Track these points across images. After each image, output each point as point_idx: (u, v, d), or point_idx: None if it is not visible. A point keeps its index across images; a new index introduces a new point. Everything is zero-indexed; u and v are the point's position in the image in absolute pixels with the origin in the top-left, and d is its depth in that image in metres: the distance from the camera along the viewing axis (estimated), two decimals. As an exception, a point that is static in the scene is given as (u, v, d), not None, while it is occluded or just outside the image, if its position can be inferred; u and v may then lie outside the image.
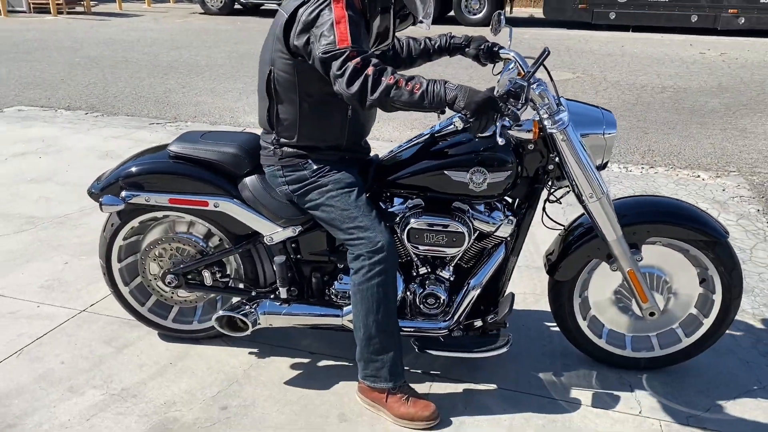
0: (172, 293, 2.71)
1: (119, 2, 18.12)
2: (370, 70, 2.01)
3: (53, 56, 10.17)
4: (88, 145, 5.58)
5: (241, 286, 2.68)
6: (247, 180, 2.46)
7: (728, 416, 2.42)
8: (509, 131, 2.25)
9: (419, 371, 2.64)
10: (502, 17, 2.52)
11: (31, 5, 16.65)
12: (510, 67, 2.24)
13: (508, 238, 2.45)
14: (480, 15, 14.94)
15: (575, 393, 2.54)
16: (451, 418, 2.38)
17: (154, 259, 2.66)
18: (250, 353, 2.74)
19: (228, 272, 2.68)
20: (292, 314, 2.54)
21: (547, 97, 2.23)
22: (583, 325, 2.65)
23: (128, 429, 2.28)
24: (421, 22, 2.30)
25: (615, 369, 2.67)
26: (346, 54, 2.01)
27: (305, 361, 2.69)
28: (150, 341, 2.80)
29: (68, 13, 16.77)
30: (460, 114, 2.07)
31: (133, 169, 2.54)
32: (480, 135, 2.20)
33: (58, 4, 16.37)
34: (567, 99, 2.42)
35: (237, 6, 16.82)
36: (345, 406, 2.42)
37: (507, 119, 2.12)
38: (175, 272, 2.63)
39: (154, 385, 2.52)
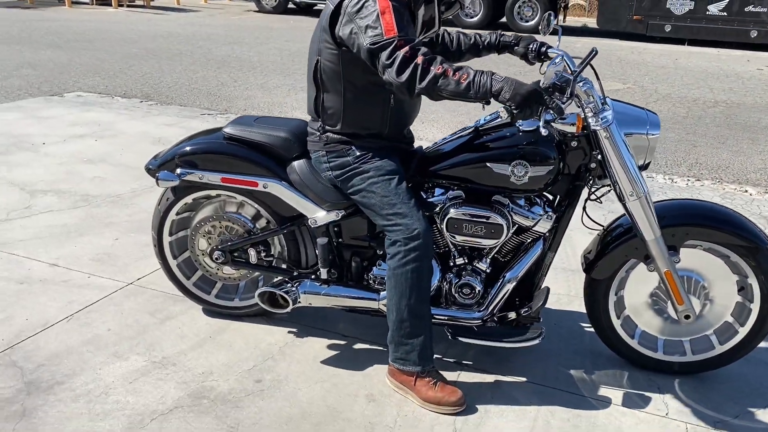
0: (218, 269, 2.82)
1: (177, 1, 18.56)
2: (419, 59, 2.07)
3: (113, 47, 10.52)
4: (142, 131, 5.78)
5: (283, 266, 2.77)
6: (295, 164, 2.56)
7: (758, 424, 2.41)
8: (553, 124, 2.28)
9: (450, 360, 2.70)
10: (552, 19, 2.57)
11: (95, -2, 17.21)
12: (556, 61, 2.27)
13: (547, 234, 2.48)
14: (532, 22, 14.90)
15: (603, 391, 2.56)
16: (477, 406, 2.42)
17: (204, 236, 2.77)
18: (287, 332, 2.83)
19: (272, 252, 2.77)
20: (331, 295, 2.62)
21: (592, 95, 2.25)
22: (617, 324, 2.66)
23: (167, 394, 2.38)
24: (467, 6, 2.37)
25: (645, 371, 2.67)
26: (395, 44, 2.08)
27: (339, 342, 2.77)
28: (192, 315, 2.91)
29: (128, 6, 17.32)
30: (505, 105, 2.11)
31: (189, 148, 2.66)
32: (524, 128, 2.26)
33: (118, -3, 16.86)
34: (613, 99, 2.44)
35: (291, 5, 17.11)
36: (374, 388, 2.49)
37: (551, 112, 2.13)
38: (223, 249, 2.73)
39: (193, 355, 2.63)
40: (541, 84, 2.13)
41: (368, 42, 2.12)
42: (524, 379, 2.61)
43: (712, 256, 2.51)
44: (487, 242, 2.46)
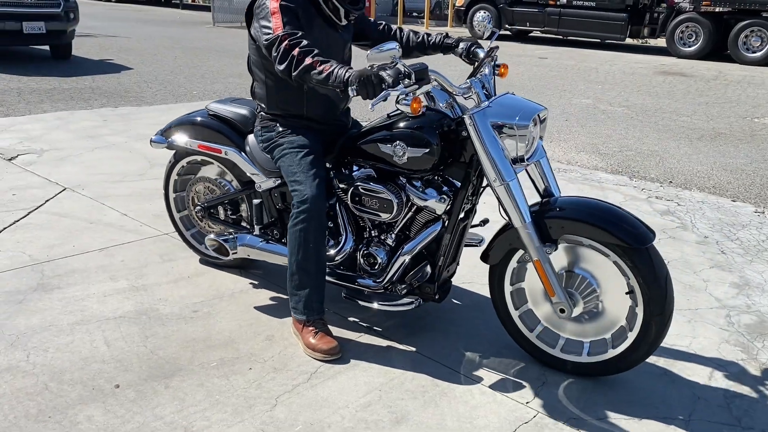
0: (204, 224, 3.42)
1: (399, 22, 19.96)
2: (296, 51, 2.47)
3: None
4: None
5: (244, 224, 3.29)
6: (249, 137, 3.06)
7: (614, 428, 2.37)
8: (398, 105, 2.46)
9: (365, 324, 2.99)
10: (488, 24, 2.89)
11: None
12: (384, 48, 2.36)
13: (443, 216, 2.69)
14: (760, 53, 13.64)
15: (481, 373, 2.68)
16: (352, 360, 2.71)
17: (195, 195, 3.40)
18: (249, 283, 3.33)
19: (239, 211, 3.30)
20: (264, 250, 3.07)
21: (447, 85, 2.47)
22: (515, 315, 2.76)
23: (122, 307, 3.02)
24: None
25: (546, 368, 2.72)
26: (279, 38, 2.50)
27: (283, 297, 3.19)
28: (189, 261, 3.55)
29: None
30: (351, 88, 2.36)
31: (181, 119, 3.31)
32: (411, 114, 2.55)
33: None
34: (512, 94, 2.61)
35: (503, 32, 17.48)
36: (278, 331, 2.90)
37: (384, 94, 2.31)
38: (202, 206, 3.34)
39: (166, 287, 3.26)
40: (368, 66, 2.35)
41: (263, 39, 2.57)
42: (413, 348, 2.82)
43: (605, 258, 2.52)
44: (383, 215, 2.75)
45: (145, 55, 11.94)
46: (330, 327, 2.82)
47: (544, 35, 17.68)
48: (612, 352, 2.58)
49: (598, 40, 17.01)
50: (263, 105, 2.90)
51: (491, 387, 2.59)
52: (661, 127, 7.83)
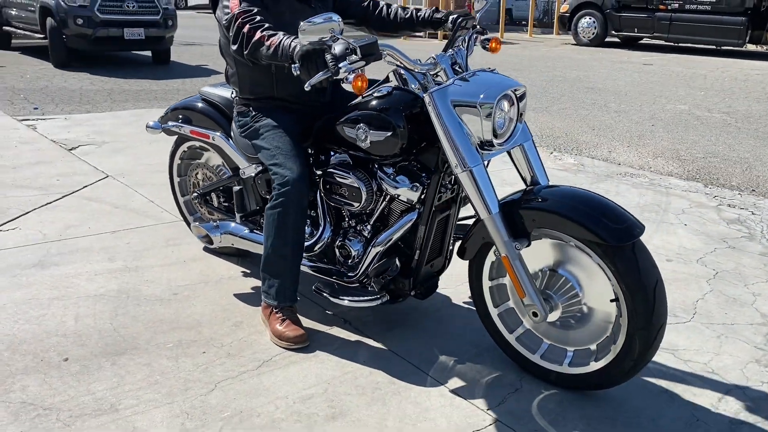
0: (203, 210, 3.37)
1: (501, 32, 19.59)
2: (246, 28, 2.34)
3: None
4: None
5: (238, 216, 3.18)
6: (233, 123, 2.92)
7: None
8: (342, 84, 2.27)
9: (336, 316, 2.83)
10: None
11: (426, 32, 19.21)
12: (320, 20, 2.17)
13: (418, 206, 2.47)
14: None
15: (450, 375, 2.44)
16: (316, 350, 2.55)
17: (194, 181, 3.38)
18: (240, 271, 3.26)
19: (232, 200, 3.21)
20: (246, 239, 2.98)
21: (405, 62, 2.27)
22: (493, 313, 2.50)
23: (106, 285, 3.04)
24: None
25: (526, 376, 2.45)
26: (234, 17, 2.39)
27: (252, 283, 3.09)
28: (190, 247, 3.52)
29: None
30: (294, 66, 2.20)
31: (176, 104, 3.27)
32: (377, 94, 2.39)
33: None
34: (492, 71, 2.38)
35: (609, 39, 16.70)
36: (248, 318, 2.79)
37: (329, 71, 2.14)
38: (198, 193, 3.29)
39: (158, 269, 3.25)
40: (302, 40, 2.16)
41: (224, 20, 2.47)
42: (382, 346, 2.62)
43: (590, 260, 2.20)
44: (353, 204, 2.56)
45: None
46: (304, 317, 2.68)
47: (653, 41, 16.72)
48: (594, 365, 2.27)
49: (713, 47, 15.84)
50: (236, 89, 2.78)
51: (453, 391, 2.35)
52: (762, 135, 7.12)
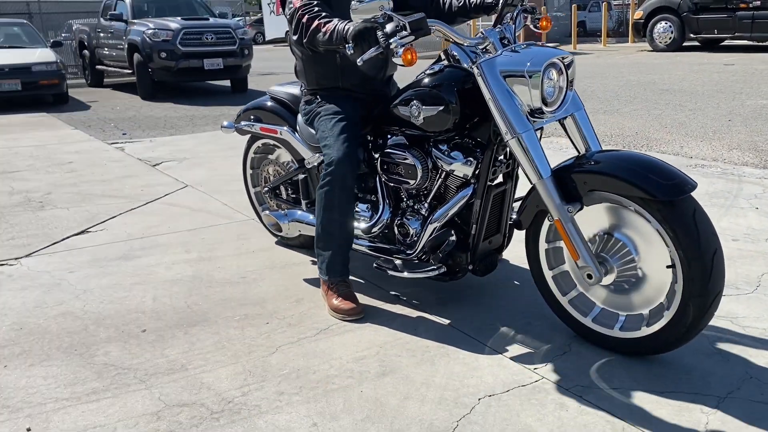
0: (272, 203, 3.57)
1: (574, 43, 19.40)
2: (305, 18, 2.51)
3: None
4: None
5: (304, 201, 3.34)
6: (299, 116, 3.13)
7: (628, 399, 2.11)
8: (393, 59, 2.35)
9: (398, 297, 2.95)
10: None
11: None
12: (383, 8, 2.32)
13: (473, 180, 2.53)
14: None
15: (500, 341, 2.51)
16: (369, 322, 2.68)
17: (266, 176, 3.59)
18: (298, 256, 3.43)
19: (300, 191, 3.31)
20: (309, 224, 3.12)
21: (455, 36, 2.38)
22: (548, 275, 2.51)
23: (173, 268, 3.27)
24: None
25: (580, 342, 2.48)
26: (296, 10, 2.57)
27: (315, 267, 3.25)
28: (259, 240, 3.74)
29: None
30: (348, 46, 2.34)
31: (247, 105, 3.52)
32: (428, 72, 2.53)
33: (516, 45, 18.53)
34: (534, 44, 2.44)
35: (688, 43, 16.23)
36: (307, 294, 2.96)
37: (380, 48, 2.25)
38: (269, 187, 3.50)
39: (230, 258, 3.47)
40: (354, 18, 2.31)
41: (288, 16, 2.66)
42: (435, 317, 2.72)
43: (648, 226, 2.19)
44: (410, 182, 2.67)
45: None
46: (365, 296, 2.82)
47: (735, 42, 16.11)
48: (645, 330, 2.27)
49: (801, 43, 15.09)
50: (304, 82, 2.97)
51: (502, 353, 2.42)
52: None
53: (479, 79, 2.34)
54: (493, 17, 2.69)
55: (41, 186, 5.20)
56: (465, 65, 2.50)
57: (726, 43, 16.48)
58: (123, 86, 12.83)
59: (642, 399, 2.10)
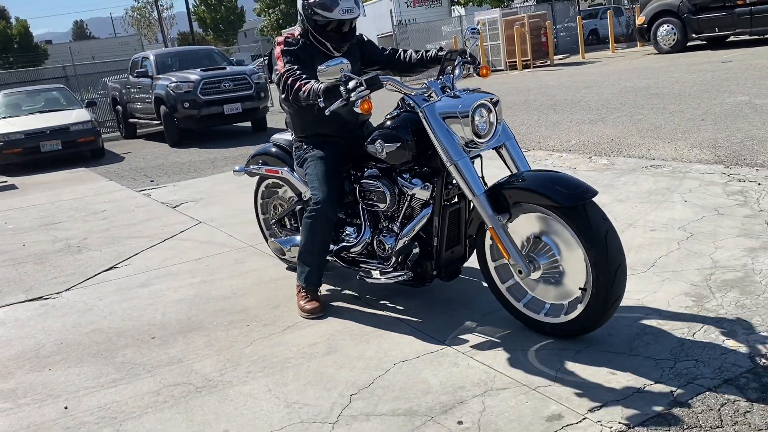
0: (281, 233, 4.14)
1: (582, 53, 19.92)
2: (290, 80, 3.13)
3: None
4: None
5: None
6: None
7: (508, 359, 2.78)
8: (354, 108, 2.89)
9: (369, 297, 3.66)
10: (469, 33, 3.23)
11: (507, 63, 19.93)
12: (332, 64, 2.85)
13: (431, 201, 3.05)
14: None
15: (430, 324, 3.18)
16: (330, 318, 3.39)
17: (273, 208, 4.20)
18: (285, 274, 4.13)
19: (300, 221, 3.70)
20: None
21: (402, 88, 2.98)
22: (491, 266, 3.00)
23: (189, 292, 4.04)
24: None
25: (485, 321, 3.14)
26: (281, 75, 3.20)
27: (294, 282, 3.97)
28: (252, 263, 4.50)
29: (534, 67, 19.38)
30: (320, 99, 2.92)
31: (255, 152, 4.12)
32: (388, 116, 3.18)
33: (524, 60, 19.15)
34: (467, 90, 2.97)
35: (692, 43, 16.59)
36: (282, 302, 3.69)
37: (343, 99, 2.85)
38: (276, 220, 4.13)
39: (227, 279, 4.22)
40: (321, 79, 2.88)
41: (275, 80, 3.28)
42: (382, 312, 3.42)
43: (565, 229, 2.64)
44: (381, 205, 3.23)
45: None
46: (331, 299, 3.55)
47: (739, 38, 16.38)
48: (564, 318, 2.76)
49: (801, 33, 15.30)
50: (293, 131, 3.57)
51: (422, 330, 3.11)
52: None
53: (423, 120, 2.90)
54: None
55: (79, 233, 6.08)
56: (417, 108, 3.00)
57: (731, 39, 16.76)
58: (154, 135, 13.89)
59: (518, 354, 2.75)
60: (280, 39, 3.37)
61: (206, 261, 4.70)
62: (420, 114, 2.91)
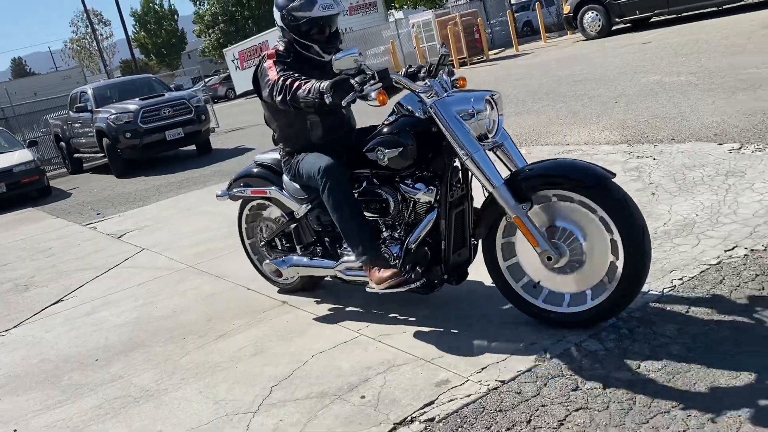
0: (270, 256, 3.90)
1: (515, 46, 20.52)
2: (288, 81, 3.03)
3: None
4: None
5: (298, 249, 3.68)
6: (284, 175, 3.53)
7: (411, 343, 3.12)
8: (368, 102, 2.82)
9: (286, 301, 3.97)
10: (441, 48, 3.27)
11: (444, 63, 20.38)
12: (344, 54, 2.84)
13: (435, 205, 3.00)
14: None
15: (349, 317, 3.52)
16: (261, 325, 3.70)
17: (260, 231, 4.02)
18: (218, 288, 4.45)
19: (293, 240, 3.70)
20: (308, 266, 3.59)
21: (409, 84, 2.94)
22: (503, 266, 2.97)
23: (131, 315, 4.30)
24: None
25: (400, 311, 3.47)
26: (276, 80, 3.10)
27: (242, 295, 4.28)
28: (191, 282, 4.78)
29: (471, 63, 19.87)
30: (327, 95, 2.83)
31: (237, 174, 3.95)
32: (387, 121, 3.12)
33: (461, 58, 19.65)
34: (461, 90, 3.03)
35: (616, 27, 17.22)
36: (215, 314, 3.99)
37: (355, 94, 2.80)
38: (265, 241, 3.90)
39: (167, 300, 4.50)
40: (334, 69, 2.82)
41: (268, 89, 3.16)
42: (308, 312, 3.74)
43: (587, 212, 2.68)
44: (386, 214, 3.14)
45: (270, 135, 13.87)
46: (261, 308, 3.86)
47: (662, 18, 17.00)
48: (592, 303, 2.76)
49: (716, 8, 16.01)
50: (282, 145, 3.50)
51: (338, 322, 3.44)
52: (713, 87, 7.63)
53: (435, 116, 2.85)
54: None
55: (27, 272, 6.27)
56: (414, 111, 3.02)
57: (654, 19, 17.44)
58: (100, 168, 13.97)
59: (421, 334, 3.11)
60: (270, 53, 3.28)
61: (148, 285, 4.96)
62: (431, 110, 2.87)
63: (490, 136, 2.92)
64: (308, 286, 3.93)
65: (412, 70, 3.32)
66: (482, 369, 2.70)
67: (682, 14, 16.39)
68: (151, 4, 58.10)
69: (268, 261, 3.82)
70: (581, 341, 2.75)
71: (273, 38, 29.55)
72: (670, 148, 5.55)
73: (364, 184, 3.25)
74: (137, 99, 12.40)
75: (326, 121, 3.30)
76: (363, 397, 2.68)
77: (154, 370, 3.40)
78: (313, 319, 3.62)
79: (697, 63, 9.59)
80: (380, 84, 2.83)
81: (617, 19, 17.01)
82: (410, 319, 3.35)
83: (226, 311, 3.96)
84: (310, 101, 2.95)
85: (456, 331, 3.10)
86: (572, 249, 2.75)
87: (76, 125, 13.58)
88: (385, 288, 3.04)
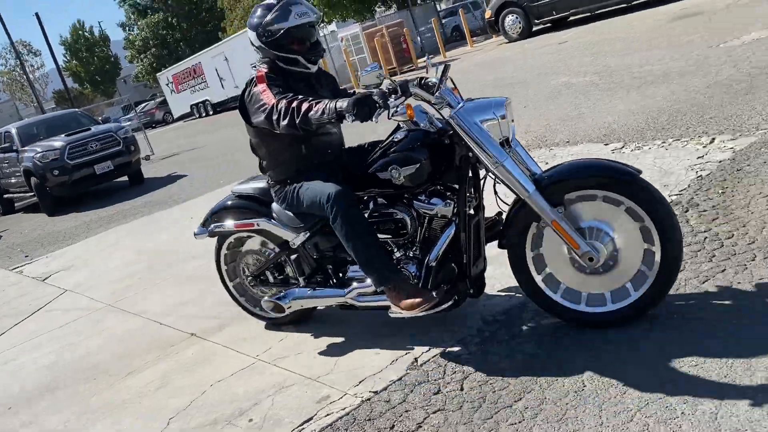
0: (256, 291, 3.74)
1: (443, 52, 20.99)
2: (295, 104, 2.86)
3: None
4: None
5: (292, 281, 3.54)
6: (273, 204, 3.38)
7: (304, 364, 3.35)
8: (394, 116, 2.83)
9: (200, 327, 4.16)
10: (427, 59, 3.37)
11: (375, 74, 20.69)
12: (368, 69, 2.96)
13: (454, 218, 2.92)
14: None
15: (259, 347, 3.73)
16: (168, 357, 3.88)
17: (244, 266, 3.75)
18: (136, 325, 4.61)
19: (286, 272, 3.57)
20: (313, 297, 3.37)
21: (426, 96, 2.87)
22: (538, 279, 2.93)
23: (48, 357, 4.43)
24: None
25: (296, 332, 3.70)
26: (275, 103, 2.91)
27: (144, 328, 4.45)
28: (107, 320, 4.92)
29: (401, 73, 20.21)
30: (348, 115, 2.71)
31: (212, 208, 3.69)
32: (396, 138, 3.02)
33: (390, 68, 20.00)
34: (469, 98, 2.96)
35: (536, 28, 17.81)
36: (130, 351, 4.15)
37: (382, 110, 2.72)
38: (252, 275, 3.65)
39: (88, 338, 4.62)
40: (360, 86, 2.85)
41: (264, 114, 2.97)
42: (216, 343, 3.94)
43: (613, 207, 2.72)
44: (402, 233, 3.04)
45: (204, 160, 13.93)
46: (176, 344, 4.03)
47: (579, 17, 17.56)
48: (635, 294, 2.77)
49: (625, 5, 16.66)
50: (272, 174, 3.31)
51: (240, 350, 3.65)
52: (612, 86, 8.00)
53: (457, 127, 2.79)
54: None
55: (-51, 324, 6.28)
56: (420, 123, 2.98)
57: (573, 18, 18.02)
58: (32, 207, 13.78)
59: (310, 354, 3.34)
60: (258, 75, 3.12)
61: (70, 326, 5.08)
62: (452, 122, 2.83)
63: (509, 142, 2.86)
64: (302, 318, 3.73)
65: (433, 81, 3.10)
66: (360, 382, 2.95)
67: (597, 12, 17.00)
68: (81, 32, 57.07)
69: (266, 298, 3.50)
70: (448, 347, 3.02)
71: (206, 59, 29.55)
72: (563, 151, 5.90)
73: (371, 205, 3.15)
74: (63, 135, 12.32)
75: (322, 141, 3.23)
76: (251, 420, 2.90)
77: (64, 412, 3.55)
78: (219, 348, 3.81)
79: (603, 62, 10.02)
80: (403, 98, 2.82)
81: (536, 21, 17.60)
82: (308, 339, 3.58)
83: (138, 347, 4.13)
84: (325, 121, 2.83)
85: (345, 347, 3.34)
86: (606, 245, 2.77)
87: (4, 165, 13.39)
88: (418, 314, 2.94)
